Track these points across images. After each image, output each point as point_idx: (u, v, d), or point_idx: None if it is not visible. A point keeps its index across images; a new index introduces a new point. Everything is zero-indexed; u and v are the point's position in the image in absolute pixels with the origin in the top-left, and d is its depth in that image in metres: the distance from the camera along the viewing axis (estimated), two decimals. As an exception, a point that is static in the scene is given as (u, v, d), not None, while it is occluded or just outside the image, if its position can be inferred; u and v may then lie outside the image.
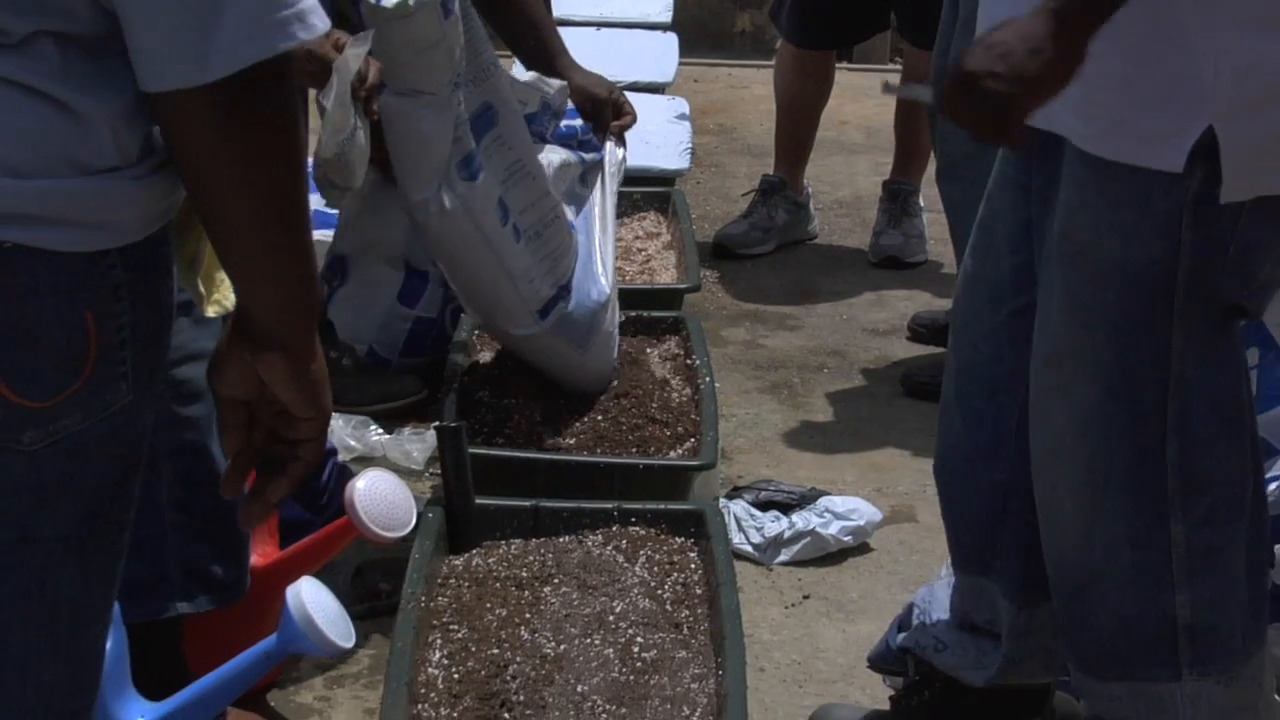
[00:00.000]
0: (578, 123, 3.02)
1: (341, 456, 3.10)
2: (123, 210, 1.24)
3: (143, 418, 1.31)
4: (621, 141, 3.17)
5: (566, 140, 3.00)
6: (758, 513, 3.12)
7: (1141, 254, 2.01)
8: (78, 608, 1.33)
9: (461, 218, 2.65)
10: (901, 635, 2.46)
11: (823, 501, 3.14)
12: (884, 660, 2.51)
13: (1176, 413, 2.06)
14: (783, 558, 3.06)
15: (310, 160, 2.34)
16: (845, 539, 3.09)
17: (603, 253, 2.99)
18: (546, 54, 2.99)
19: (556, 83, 2.93)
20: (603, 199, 3.07)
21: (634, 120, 3.18)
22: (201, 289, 1.70)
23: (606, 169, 3.09)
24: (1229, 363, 2.10)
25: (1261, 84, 1.93)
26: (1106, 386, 2.08)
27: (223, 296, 1.70)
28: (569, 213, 2.93)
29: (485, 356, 3.07)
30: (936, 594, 2.44)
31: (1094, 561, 2.15)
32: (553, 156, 2.92)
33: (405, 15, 2.43)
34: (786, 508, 3.13)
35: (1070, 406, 2.12)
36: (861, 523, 3.11)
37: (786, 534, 3.07)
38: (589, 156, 3.05)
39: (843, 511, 3.12)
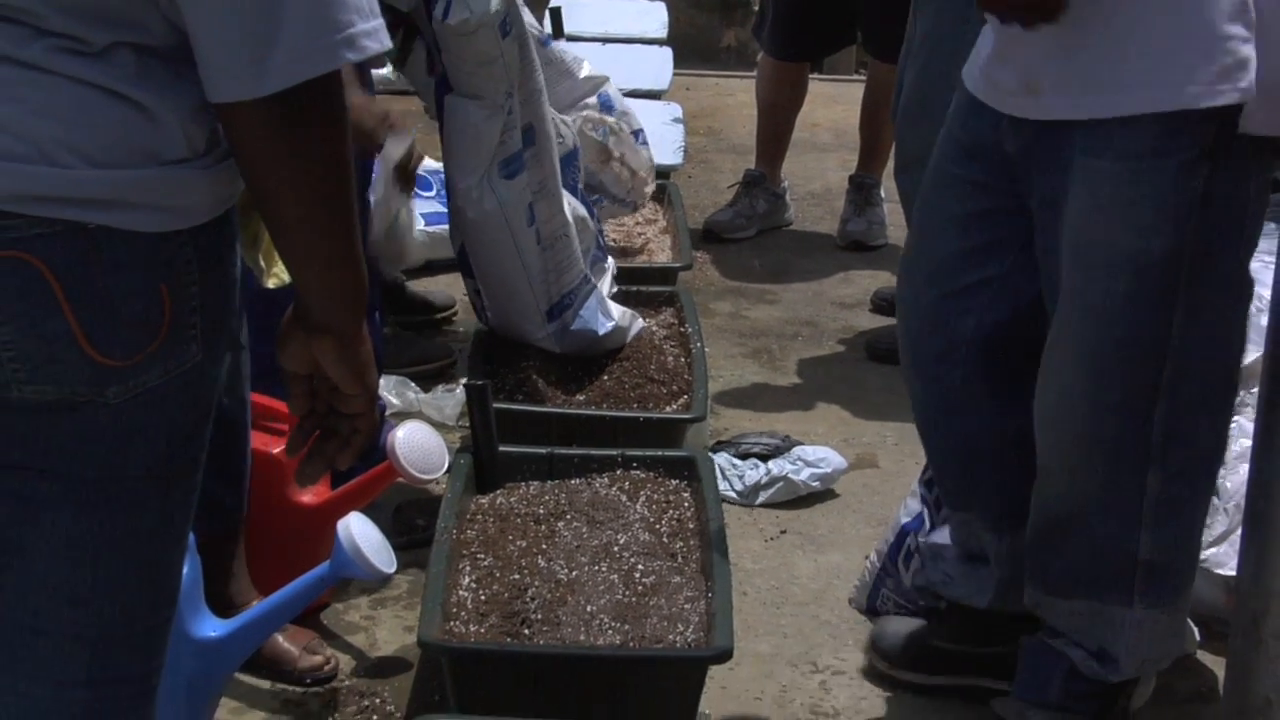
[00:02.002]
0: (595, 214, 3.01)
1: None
2: (192, 196, 1.23)
3: (212, 373, 1.31)
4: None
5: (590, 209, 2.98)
6: (739, 462, 3.12)
7: (1157, 247, 1.97)
8: (159, 535, 1.33)
9: (495, 210, 2.66)
10: (912, 575, 2.45)
11: (796, 451, 3.14)
12: (872, 601, 2.52)
13: (1170, 377, 2.03)
14: (762, 499, 3.06)
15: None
16: (814, 484, 3.09)
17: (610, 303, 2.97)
18: None
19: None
20: (608, 289, 3.03)
21: None
22: (262, 263, 1.70)
23: (608, 274, 3.05)
24: (1227, 341, 2.07)
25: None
26: (1099, 368, 2.04)
27: (281, 270, 1.69)
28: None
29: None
30: (934, 539, 2.42)
31: (1074, 504, 2.14)
32: (577, 207, 2.90)
33: (469, 33, 2.50)
34: (765, 457, 3.13)
35: (1061, 385, 2.10)
36: (830, 469, 3.11)
37: (764, 479, 3.07)
38: (598, 252, 3.01)
39: (813, 460, 3.11)
